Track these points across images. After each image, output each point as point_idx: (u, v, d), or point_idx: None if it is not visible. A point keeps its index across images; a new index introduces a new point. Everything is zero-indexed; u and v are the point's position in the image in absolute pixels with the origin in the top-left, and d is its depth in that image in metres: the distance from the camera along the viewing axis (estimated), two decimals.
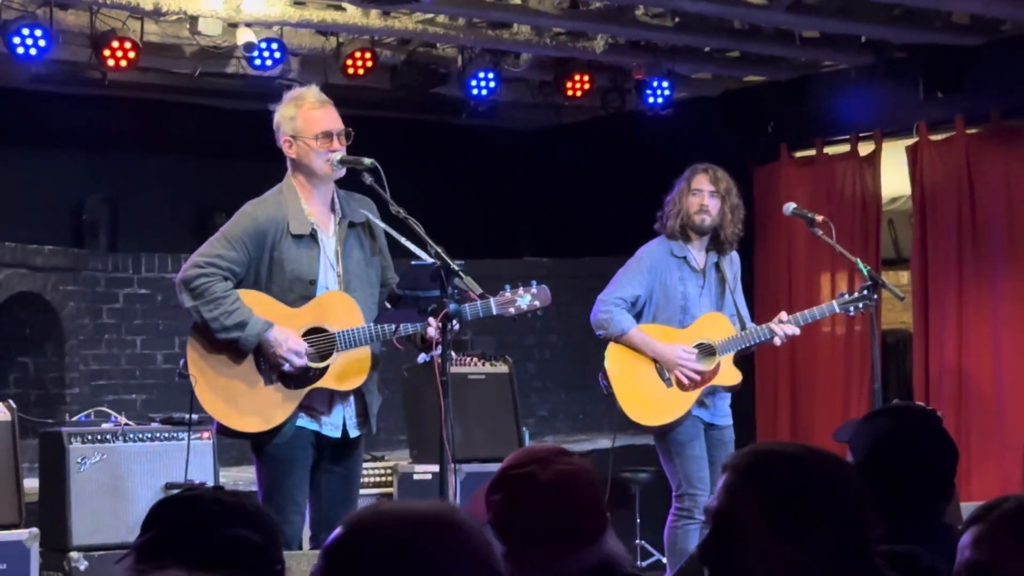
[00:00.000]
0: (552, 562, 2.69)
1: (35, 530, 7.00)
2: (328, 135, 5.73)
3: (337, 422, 5.76)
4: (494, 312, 5.76)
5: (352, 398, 5.78)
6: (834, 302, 7.15)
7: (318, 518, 5.79)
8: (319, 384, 5.68)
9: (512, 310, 5.82)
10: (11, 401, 7.35)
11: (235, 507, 2.69)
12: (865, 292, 7.03)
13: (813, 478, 2.50)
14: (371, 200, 5.85)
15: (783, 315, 7.11)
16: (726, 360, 7.06)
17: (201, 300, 5.57)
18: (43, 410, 9.22)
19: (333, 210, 5.80)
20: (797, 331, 7.08)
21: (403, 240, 5.52)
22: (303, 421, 5.69)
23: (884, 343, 10.45)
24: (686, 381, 6.97)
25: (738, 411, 7.48)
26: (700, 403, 7.06)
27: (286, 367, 5.61)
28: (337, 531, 2.04)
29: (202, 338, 5.67)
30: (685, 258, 7.13)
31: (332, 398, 5.73)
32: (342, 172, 5.74)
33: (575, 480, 2.77)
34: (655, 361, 7.02)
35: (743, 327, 7.15)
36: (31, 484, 7.48)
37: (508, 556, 2.71)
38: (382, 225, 5.79)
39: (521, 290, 5.85)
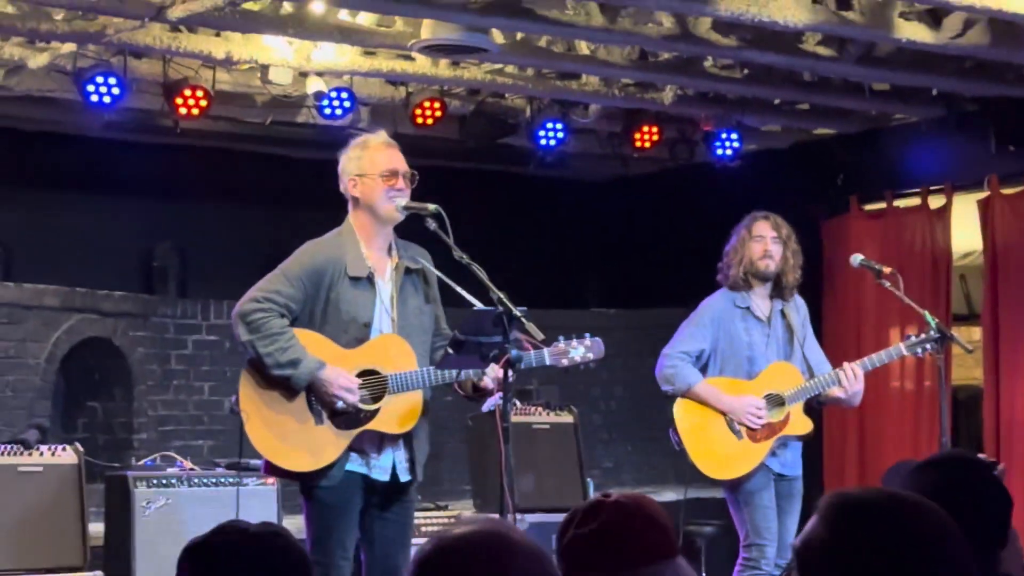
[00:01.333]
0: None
1: (99, 573, 7.03)
2: (394, 173, 5.76)
3: (387, 465, 5.75)
4: (547, 362, 5.77)
5: (401, 443, 5.77)
6: (901, 344, 7.07)
7: (372, 563, 5.77)
8: (370, 426, 5.67)
9: (565, 361, 5.82)
10: (78, 444, 7.41)
11: (260, 552, 2.70)
12: (932, 334, 6.95)
13: (900, 526, 2.48)
14: (426, 251, 5.87)
15: (846, 364, 7.03)
16: (796, 409, 6.99)
17: (257, 335, 5.58)
18: (111, 455, 9.27)
19: (390, 255, 5.82)
20: (860, 371, 6.97)
21: (458, 289, 5.53)
22: (353, 464, 5.68)
23: (955, 399, 10.35)
24: (756, 426, 6.90)
25: (806, 463, 7.41)
26: (771, 453, 7.00)
27: (339, 405, 5.62)
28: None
29: (256, 374, 5.68)
30: (748, 308, 7.08)
31: (382, 441, 5.73)
32: (402, 217, 5.76)
33: (641, 509, 2.75)
34: (724, 414, 6.96)
35: (811, 375, 7.08)
36: (97, 528, 7.52)
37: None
38: (437, 273, 5.81)
39: (575, 341, 5.85)
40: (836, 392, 6.97)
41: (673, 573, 2.72)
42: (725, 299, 7.11)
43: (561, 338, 5.82)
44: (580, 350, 5.84)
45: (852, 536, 2.49)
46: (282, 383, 5.62)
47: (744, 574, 6.93)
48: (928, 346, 6.96)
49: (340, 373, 5.61)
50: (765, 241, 7.05)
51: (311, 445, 5.63)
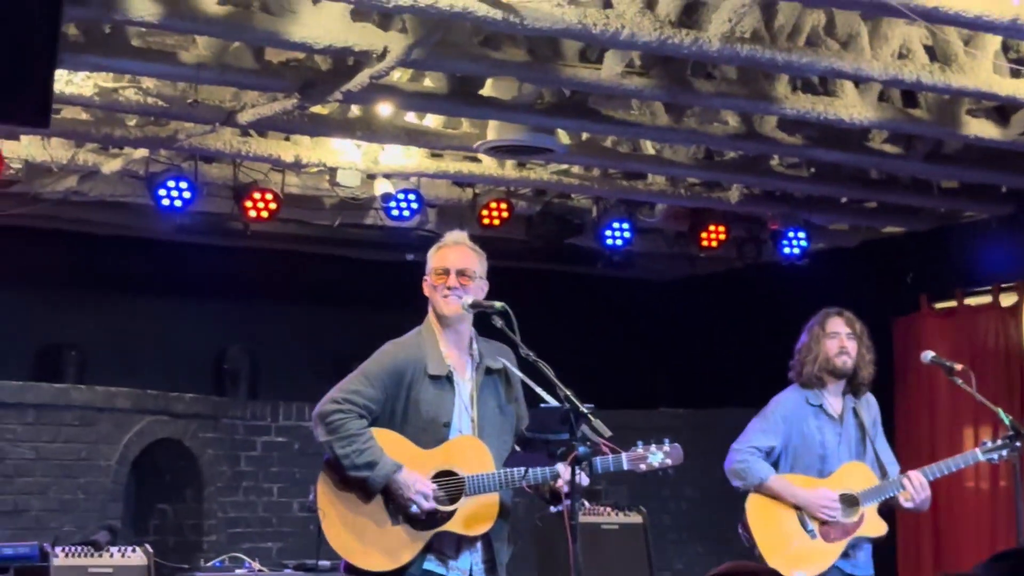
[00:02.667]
0: None
1: None
2: (445, 271, 5.77)
3: (464, 567, 5.71)
4: (625, 467, 5.73)
5: (480, 545, 5.73)
6: (977, 450, 6.94)
7: None
8: (446, 527, 5.65)
9: (643, 466, 5.78)
10: (148, 546, 7.43)
11: None
12: (1009, 439, 6.83)
13: None
14: (510, 349, 5.85)
15: (911, 473, 6.91)
16: (870, 511, 6.88)
17: (335, 436, 5.59)
18: (181, 556, 9.29)
19: (471, 354, 5.82)
20: (925, 480, 6.85)
21: (539, 390, 5.51)
22: (431, 564, 5.65)
23: None
24: (830, 519, 6.79)
25: (880, 564, 7.29)
26: (843, 554, 6.89)
27: (413, 509, 5.60)
28: None
29: (333, 473, 5.68)
30: (821, 406, 6.99)
31: (460, 543, 5.70)
32: (463, 314, 5.75)
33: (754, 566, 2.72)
34: (797, 509, 6.87)
35: (884, 475, 6.98)
36: None
37: None
38: (519, 375, 5.78)
39: (654, 447, 5.80)
40: (902, 501, 6.86)
41: None
42: (797, 396, 7.03)
43: (640, 443, 5.78)
44: (659, 456, 5.80)
45: None
46: (359, 483, 5.62)
47: None
48: (1005, 452, 6.83)
49: (417, 478, 5.60)
50: (840, 338, 6.98)
51: (388, 546, 5.62)
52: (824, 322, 7.00)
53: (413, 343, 5.77)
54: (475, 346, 5.81)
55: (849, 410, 7.01)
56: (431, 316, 5.82)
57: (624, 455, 5.66)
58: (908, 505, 6.81)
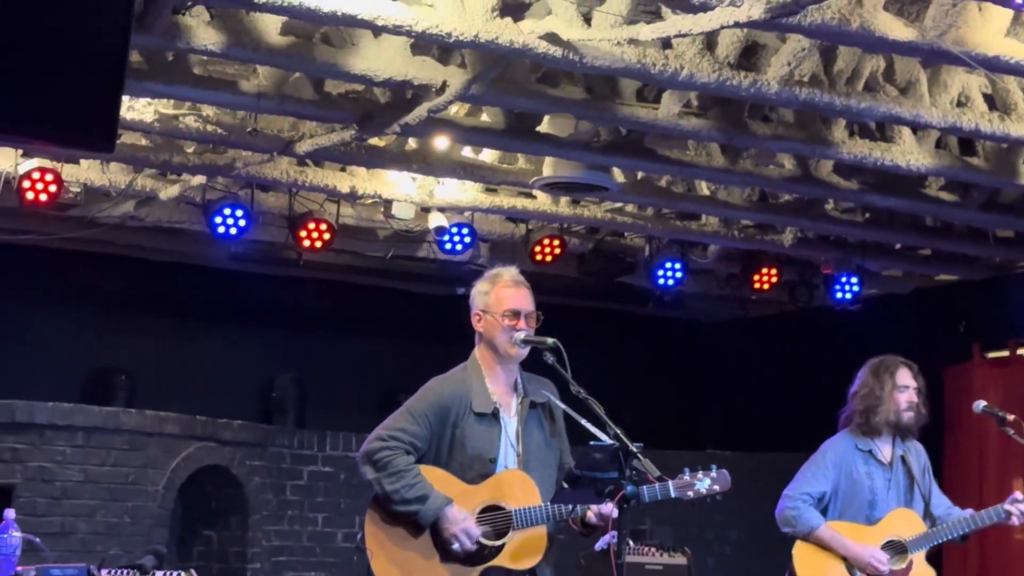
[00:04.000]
0: None
1: None
2: (516, 313, 5.76)
3: None
4: (672, 495, 5.65)
5: None
6: None
7: None
8: (494, 562, 5.64)
9: (691, 493, 5.72)
10: (193, 571, 7.44)
11: None
12: None
13: None
14: (552, 383, 5.85)
15: (1018, 493, 6.87)
16: (918, 558, 6.83)
17: (383, 472, 5.59)
18: None
19: (516, 390, 5.81)
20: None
21: (583, 421, 5.49)
22: None
23: None
24: (879, 573, 6.74)
25: None
26: None
27: (455, 547, 5.59)
28: None
29: (381, 511, 5.68)
30: (871, 451, 6.97)
31: None
32: (525, 353, 5.76)
33: None
34: (844, 560, 6.83)
35: (933, 524, 6.93)
36: None
37: None
38: (563, 407, 5.78)
39: (700, 474, 5.75)
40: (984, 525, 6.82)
41: None
42: (847, 441, 7.00)
43: (687, 470, 5.74)
44: (706, 482, 5.74)
45: None
46: (407, 519, 5.61)
47: None
48: None
49: (465, 516, 5.58)
50: (910, 392, 6.93)
51: None
52: (895, 373, 6.92)
53: (459, 379, 5.76)
54: (520, 381, 5.81)
55: (898, 457, 6.98)
56: (481, 352, 5.81)
57: (671, 483, 5.60)
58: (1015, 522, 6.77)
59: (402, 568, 5.60)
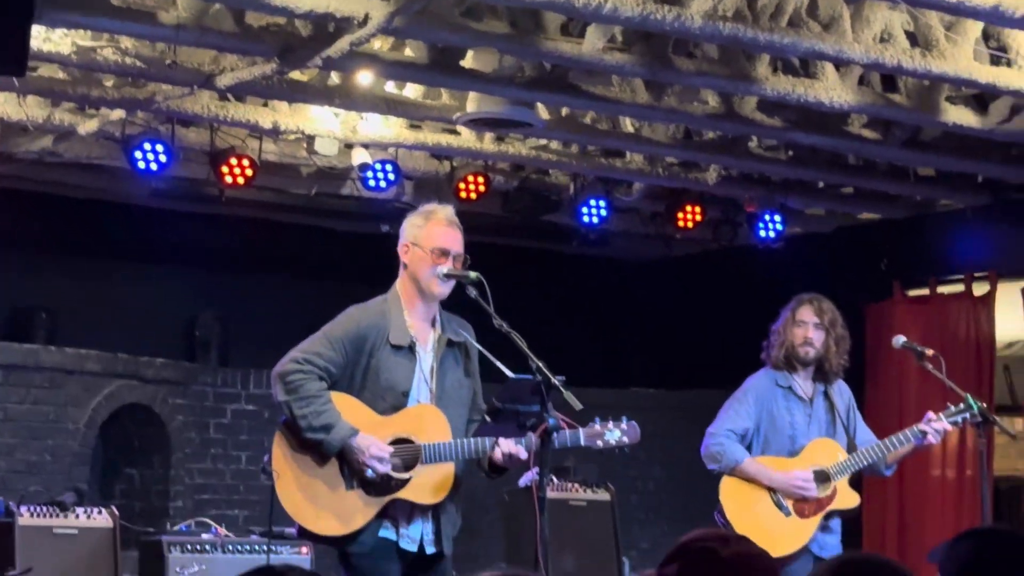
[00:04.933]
0: None
1: None
2: (445, 252, 5.75)
3: (415, 536, 5.71)
4: (582, 443, 5.73)
5: (431, 515, 5.73)
6: (942, 414, 7.01)
7: None
8: (400, 495, 5.64)
9: (600, 443, 5.79)
10: (114, 508, 7.41)
11: None
12: (966, 406, 6.92)
13: None
14: (471, 325, 5.87)
15: (931, 413, 6.98)
16: (842, 484, 6.95)
17: (294, 396, 5.58)
18: (147, 521, 9.25)
19: (434, 326, 5.81)
20: (948, 427, 6.94)
21: (500, 365, 5.53)
22: (385, 531, 5.65)
23: (996, 489, 10.23)
24: (806, 495, 6.84)
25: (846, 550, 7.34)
26: (819, 531, 6.94)
27: (369, 473, 5.59)
28: None
29: (290, 435, 5.66)
30: (791, 388, 7.06)
31: (412, 511, 5.69)
32: (447, 292, 5.75)
33: (755, 563, 2.70)
34: (771, 491, 6.92)
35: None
36: None
37: None
38: (479, 348, 5.80)
39: (611, 424, 5.81)
40: (930, 437, 6.92)
41: None
42: (767, 378, 7.10)
43: (597, 419, 5.79)
44: (616, 433, 5.81)
45: None
46: (315, 446, 5.61)
47: None
48: (968, 415, 6.90)
49: (373, 442, 5.58)
50: (807, 327, 7.03)
51: (340, 510, 5.61)
52: (797, 309, 7.07)
53: (378, 310, 5.75)
54: (439, 319, 5.81)
55: (819, 394, 7.08)
56: (402, 285, 5.80)
57: (581, 431, 5.68)
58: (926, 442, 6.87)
59: (306, 493, 5.60)
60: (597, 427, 5.78)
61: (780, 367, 7.06)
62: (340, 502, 5.60)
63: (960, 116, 7.96)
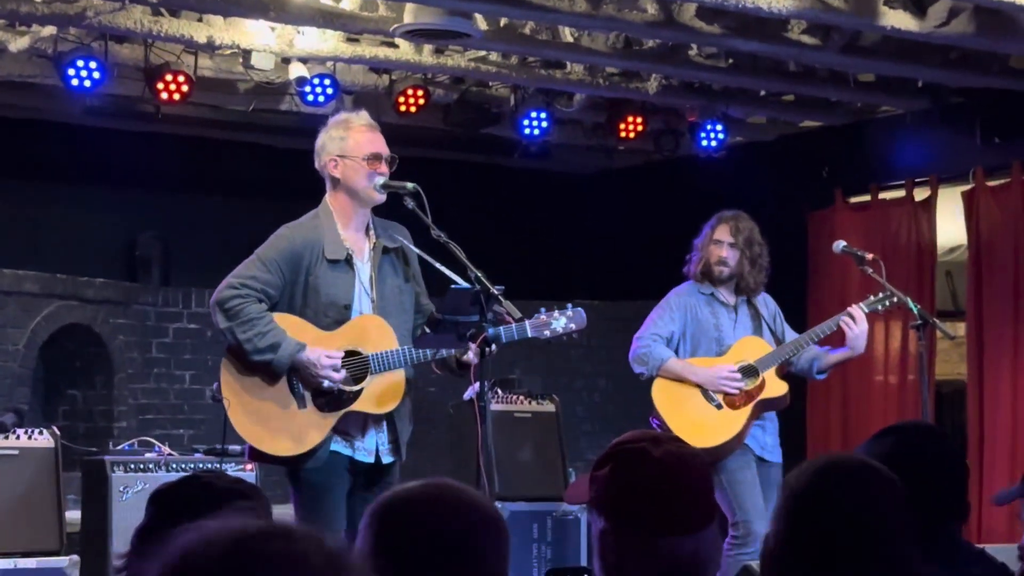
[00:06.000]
0: (649, 543, 2.62)
1: (75, 557, 6.98)
2: (377, 157, 5.73)
3: (371, 447, 5.71)
4: (529, 334, 5.69)
5: (384, 424, 5.73)
6: (861, 304, 7.12)
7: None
8: (353, 407, 5.64)
9: (547, 332, 5.76)
10: (55, 428, 7.36)
11: (230, 486, 2.69)
12: (887, 293, 7.05)
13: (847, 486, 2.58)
14: (405, 228, 5.84)
15: (850, 309, 7.06)
16: (770, 375, 7.08)
17: (235, 321, 5.55)
18: (90, 442, 9.22)
19: (368, 235, 5.78)
20: (860, 312, 7.02)
21: (439, 266, 5.50)
22: (337, 446, 5.65)
23: (938, 393, 10.32)
24: (732, 391, 6.97)
25: (789, 461, 7.41)
26: (752, 427, 7.04)
27: (325, 384, 5.58)
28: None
29: (236, 360, 5.64)
30: (712, 294, 7.21)
31: (366, 423, 5.69)
32: (383, 197, 5.73)
33: (688, 463, 2.69)
34: (700, 387, 7.04)
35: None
36: (74, 516, 7.46)
37: (605, 533, 2.66)
38: (416, 251, 5.78)
39: (556, 313, 5.80)
40: (836, 357, 7.01)
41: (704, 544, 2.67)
42: (691, 286, 7.27)
43: (543, 309, 5.78)
44: (562, 321, 5.80)
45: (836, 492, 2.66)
46: (263, 368, 5.59)
47: (732, 552, 6.94)
48: (887, 303, 7.06)
49: (322, 353, 5.57)
50: (722, 247, 7.17)
51: (295, 429, 5.60)
52: (716, 227, 7.17)
53: (310, 226, 5.72)
54: (372, 227, 5.78)
55: (743, 302, 7.23)
56: (335, 199, 5.77)
57: (528, 322, 5.66)
58: (852, 335, 6.94)
59: (258, 416, 5.59)
60: (543, 317, 5.77)
61: (700, 280, 7.19)
62: (293, 421, 5.59)
63: (899, 20, 7.93)
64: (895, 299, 7.06)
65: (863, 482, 2.69)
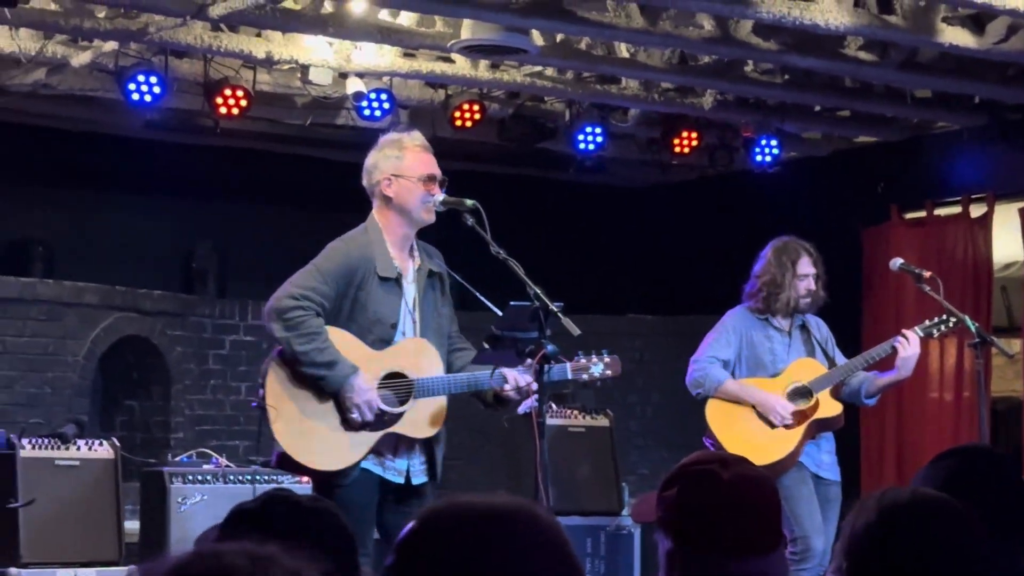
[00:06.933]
0: (717, 565, 2.63)
1: (134, 568, 7.03)
2: (432, 178, 5.77)
3: (401, 468, 5.73)
4: (568, 377, 5.80)
5: (418, 446, 5.76)
6: (916, 328, 7.10)
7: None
8: (394, 429, 5.66)
9: (585, 376, 5.88)
10: (115, 440, 7.44)
11: (321, 508, 2.73)
12: (943, 318, 7.02)
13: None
14: (439, 251, 5.91)
15: (904, 331, 7.06)
16: (824, 396, 7.07)
17: (294, 332, 5.56)
18: (147, 453, 9.31)
19: (412, 256, 5.82)
20: (914, 336, 7.00)
21: (476, 292, 5.60)
22: (367, 464, 5.66)
23: (994, 410, 10.26)
24: (780, 424, 6.97)
25: (844, 474, 7.40)
26: (807, 445, 7.04)
27: (355, 415, 5.60)
28: (409, 525, 2.00)
29: (286, 369, 5.65)
30: (767, 320, 7.20)
31: (398, 444, 5.71)
32: (432, 219, 5.76)
33: (757, 486, 2.70)
34: (754, 407, 7.05)
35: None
36: (132, 526, 7.53)
37: (672, 554, 2.67)
38: (457, 277, 5.86)
39: (595, 358, 5.90)
40: (884, 380, 7.00)
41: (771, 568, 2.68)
42: (744, 311, 7.28)
43: (580, 353, 5.85)
44: (600, 367, 5.89)
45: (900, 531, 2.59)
46: (312, 381, 5.61)
47: (791, 568, 6.92)
48: (942, 327, 7.04)
49: (370, 388, 5.59)
50: (809, 280, 7.14)
51: (334, 445, 5.62)
52: (797, 262, 7.11)
53: (363, 242, 5.74)
54: (415, 248, 5.82)
55: (796, 326, 7.22)
56: (384, 217, 5.78)
57: (568, 364, 5.75)
58: (901, 357, 6.92)
59: (301, 428, 5.62)
60: (583, 361, 5.87)
61: (762, 312, 7.17)
62: (334, 437, 5.62)
63: (957, 36, 7.92)
64: (951, 323, 7.01)
65: (927, 519, 2.66)
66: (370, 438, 5.63)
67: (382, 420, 5.64)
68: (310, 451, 5.63)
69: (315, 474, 5.71)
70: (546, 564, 1.92)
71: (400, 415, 5.66)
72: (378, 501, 5.69)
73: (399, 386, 5.67)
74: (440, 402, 5.73)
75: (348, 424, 5.62)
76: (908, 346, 6.95)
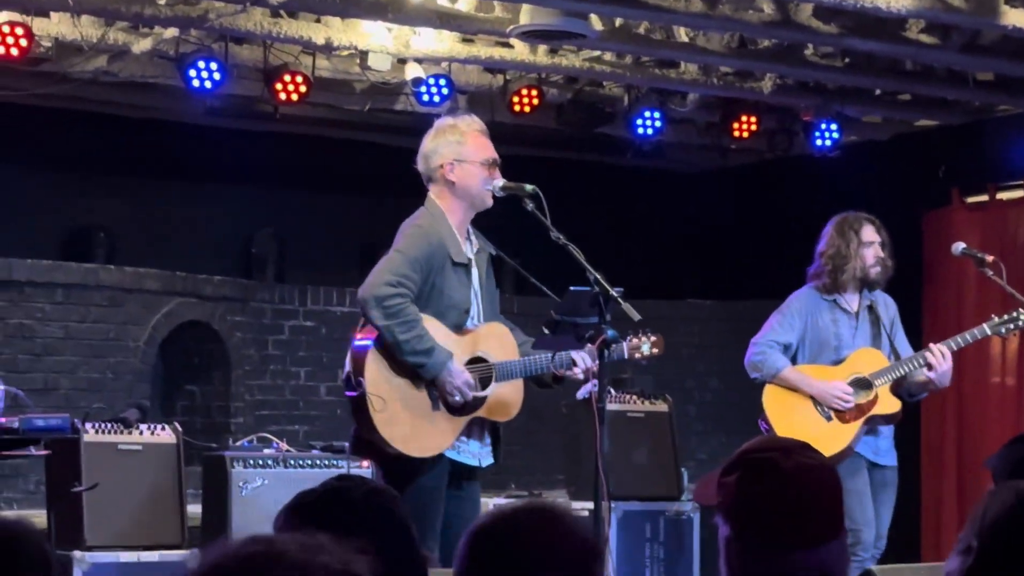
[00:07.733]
0: (774, 554, 2.62)
1: (196, 551, 7.09)
2: (494, 163, 5.78)
3: (474, 450, 5.77)
4: (625, 356, 5.92)
5: (486, 429, 5.80)
6: (984, 325, 7.02)
7: (447, 543, 5.65)
8: (479, 413, 5.71)
9: (638, 355, 6.00)
10: (177, 424, 7.50)
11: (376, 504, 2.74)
12: (1016, 313, 6.92)
13: None
14: (483, 235, 5.95)
15: (932, 345, 6.99)
16: (883, 391, 7.01)
17: (395, 320, 5.53)
18: (208, 437, 9.35)
19: (470, 240, 5.85)
20: (947, 350, 6.92)
21: (532, 278, 5.65)
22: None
23: None
24: (843, 409, 6.91)
25: (903, 462, 7.36)
26: (863, 436, 6.99)
27: (456, 398, 5.63)
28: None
29: (385, 358, 5.63)
30: (835, 301, 7.11)
31: (471, 427, 5.75)
32: (491, 203, 5.77)
33: (818, 475, 2.68)
34: (812, 398, 6.99)
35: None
36: (194, 510, 7.58)
37: (730, 540, 2.67)
38: (511, 262, 5.93)
39: (642, 336, 6.10)
40: (925, 375, 6.93)
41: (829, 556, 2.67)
42: (811, 292, 7.17)
43: (629, 334, 5.94)
44: (647, 345, 6.04)
45: None
46: (410, 369, 5.61)
47: None
48: (1012, 325, 6.92)
49: (464, 371, 5.64)
50: (876, 247, 7.06)
51: (432, 431, 5.65)
52: (860, 230, 7.04)
53: (435, 228, 5.74)
54: (471, 233, 5.85)
55: (865, 306, 7.13)
56: (447, 202, 5.78)
57: (624, 344, 5.87)
58: (931, 376, 6.87)
59: (401, 416, 5.64)
60: (635, 340, 6.00)
61: (831, 290, 7.09)
62: (428, 424, 5.66)
63: (1019, 19, 7.84)
64: (1021, 321, 6.92)
65: None
66: (458, 424, 5.67)
67: (467, 405, 5.68)
68: (406, 438, 5.62)
69: (409, 460, 5.65)
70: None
71: (484, 399, 5.70)
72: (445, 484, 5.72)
73: (481, 370, 5.73)
74: (518, 385, 5.79)
75: (440, 408, 5.64)
76: (943, 362, 6.89)
